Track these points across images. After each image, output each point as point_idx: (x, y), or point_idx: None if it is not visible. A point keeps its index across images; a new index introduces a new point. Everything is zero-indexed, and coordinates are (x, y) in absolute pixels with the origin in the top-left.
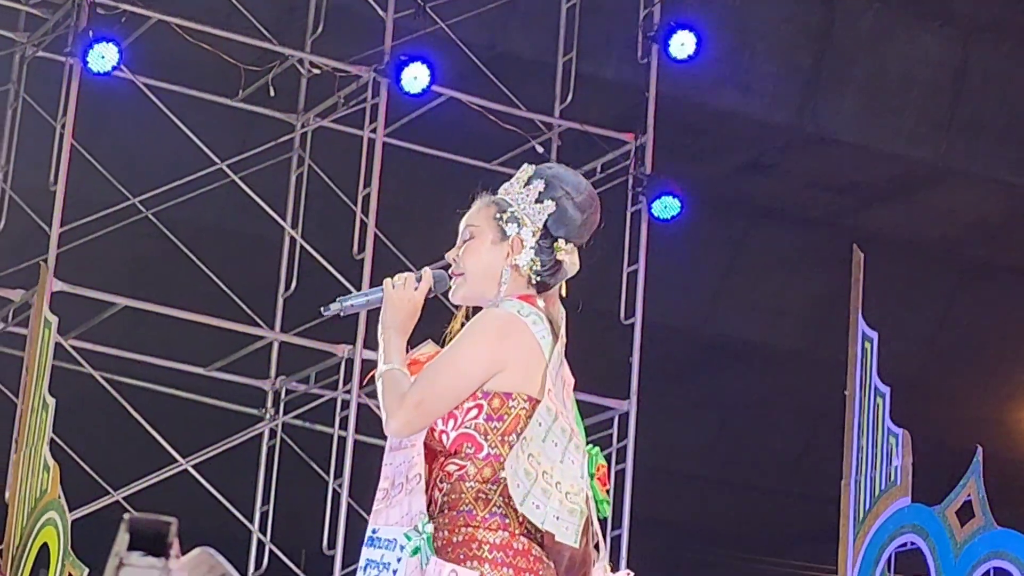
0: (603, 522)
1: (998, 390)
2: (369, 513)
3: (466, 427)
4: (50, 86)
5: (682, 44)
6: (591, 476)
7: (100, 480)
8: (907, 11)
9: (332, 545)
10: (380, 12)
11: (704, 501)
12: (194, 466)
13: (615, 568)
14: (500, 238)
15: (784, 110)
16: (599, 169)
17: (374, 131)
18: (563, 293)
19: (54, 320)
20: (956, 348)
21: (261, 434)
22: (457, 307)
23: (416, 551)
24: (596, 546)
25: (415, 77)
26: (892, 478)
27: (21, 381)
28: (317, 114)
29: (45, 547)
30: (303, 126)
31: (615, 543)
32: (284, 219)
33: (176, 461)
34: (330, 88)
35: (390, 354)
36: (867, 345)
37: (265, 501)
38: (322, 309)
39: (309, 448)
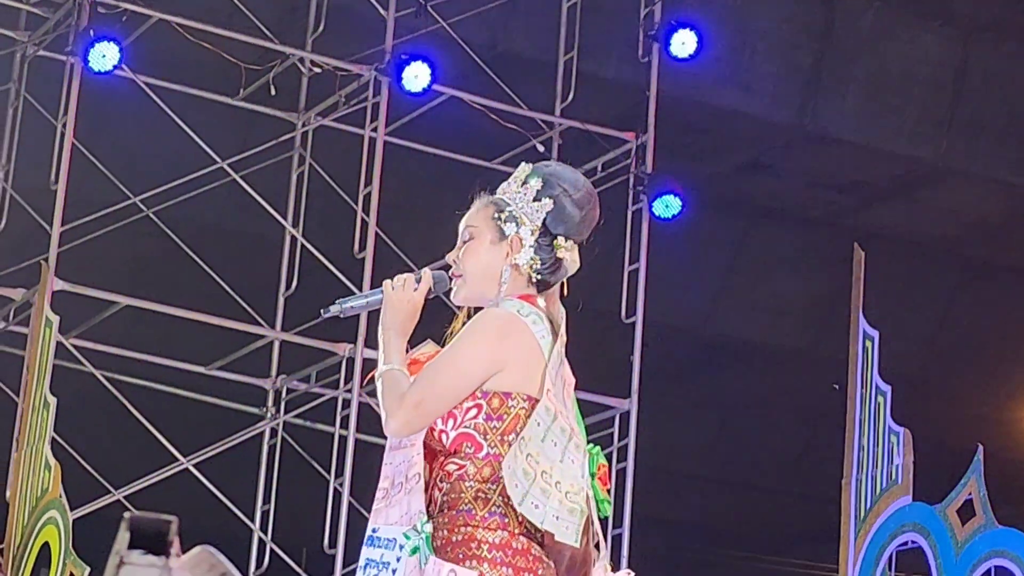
0: (604, 521)
1: (998, 389)
2: (370, 512)
3: (466, 427)
4: (51, 85)
5: (683, 43)
6: (592, 475)
7: (101, 479)
8: (907, 11)
9: (333, 544)
10: (381, 11)
11: (705, 500)
12: (195, 465)
13: (616, 567)
14: (499, 238)
15: (785, 109)
16: (600, 168)
17: (375, 130)
18: (564, 292)
19: (55, 319)
20: (956, 347)
21: (262, 433)
22: (459, 307)
23: (415, 550)
24: (597, 545)
25: (416, 76)
26: (893, 477)
27: (22, 380)
28: (318, 113)
29: (46, 546)
30: (304, 125)
31: (616, 542)
32: (285, 218)
33: (177, 460)
34: (331, 87)
35: (390, 354)
36: (868, 344)
37: (266, 500)
38: (321, 311)
39: (310, 447)
